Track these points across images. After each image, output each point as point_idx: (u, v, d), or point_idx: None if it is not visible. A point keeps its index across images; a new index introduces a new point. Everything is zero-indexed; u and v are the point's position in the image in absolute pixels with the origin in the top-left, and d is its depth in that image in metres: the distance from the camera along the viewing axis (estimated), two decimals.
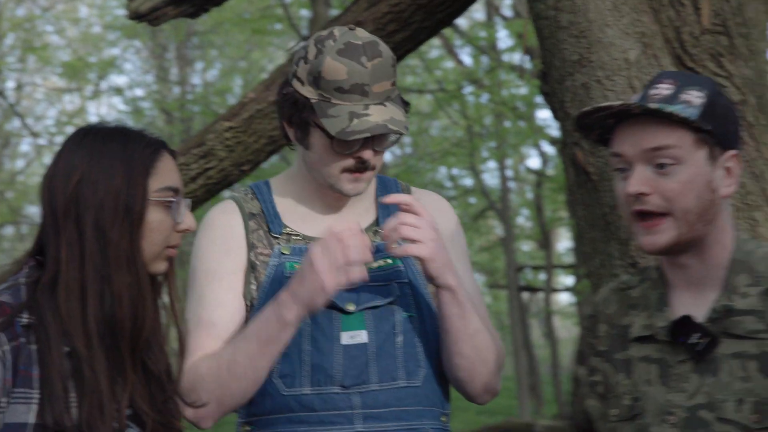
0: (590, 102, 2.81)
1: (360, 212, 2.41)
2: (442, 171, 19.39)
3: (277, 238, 2.35)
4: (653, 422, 1.94)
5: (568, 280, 22.09)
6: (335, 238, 2.14)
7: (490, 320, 2.41)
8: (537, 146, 17.80)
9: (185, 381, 2.18)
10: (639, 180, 1.90)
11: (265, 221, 2.37)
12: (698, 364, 1.92)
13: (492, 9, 15.73)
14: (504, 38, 17.46)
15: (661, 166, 1.90)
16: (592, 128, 2.00)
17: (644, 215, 1.93)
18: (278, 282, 2.28)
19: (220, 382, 2.22)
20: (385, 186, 2.45)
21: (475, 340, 2.28)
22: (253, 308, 2.30)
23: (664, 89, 1.93)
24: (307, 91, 2.26)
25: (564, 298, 26.61)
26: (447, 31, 15.84)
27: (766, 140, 2.93)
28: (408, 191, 2.45)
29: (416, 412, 2.27)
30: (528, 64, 11.60)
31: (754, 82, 2.98)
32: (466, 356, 2.28)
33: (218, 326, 2.29)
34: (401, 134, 2.25)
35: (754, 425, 1.87)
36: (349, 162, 2.27)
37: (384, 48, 2.27)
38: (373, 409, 2.24)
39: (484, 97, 15.17)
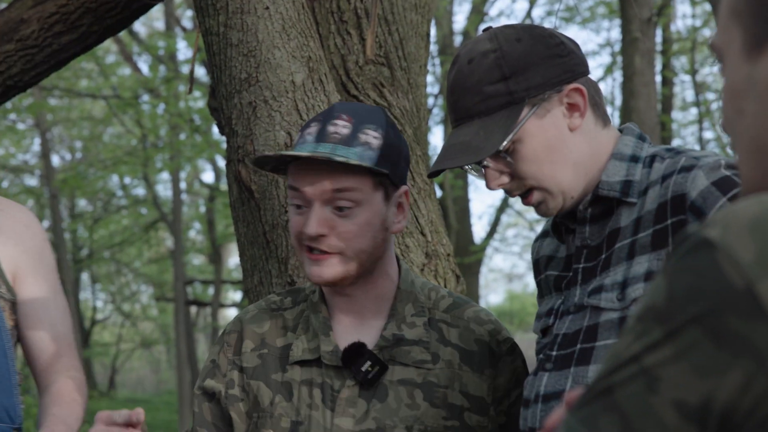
0: (256, 120, 2.84)
1: None
2: (114, 179, 18.94)
3: None
4: None
5: (237, 295, 22.19)
6: None
7: (75, 349, 2.43)
8: (212, 161, 17.77)
9: None
10: (318, 221, 1.87)
11: None
12: (364, 389, 1.92)
13: (172, 19, 15.57)
14: (183, 49, 17.36)
15: (340, 208, 1.86)
16: (267, 163, 1.95)
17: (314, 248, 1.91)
18: None
19: None
20: None
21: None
22: None
23: (342, 127, 1.88)
24: None
25: (231, 314, 26.68)
26: (125, 38, 15.53)
27: (420, 170, 3.06)
28: None
29: None
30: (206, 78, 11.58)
31: (412, 114, 3.12)
32: None
33: None
34: None
35: None
36: None
37: None
38: None
39: (161, 108, 14.97)
